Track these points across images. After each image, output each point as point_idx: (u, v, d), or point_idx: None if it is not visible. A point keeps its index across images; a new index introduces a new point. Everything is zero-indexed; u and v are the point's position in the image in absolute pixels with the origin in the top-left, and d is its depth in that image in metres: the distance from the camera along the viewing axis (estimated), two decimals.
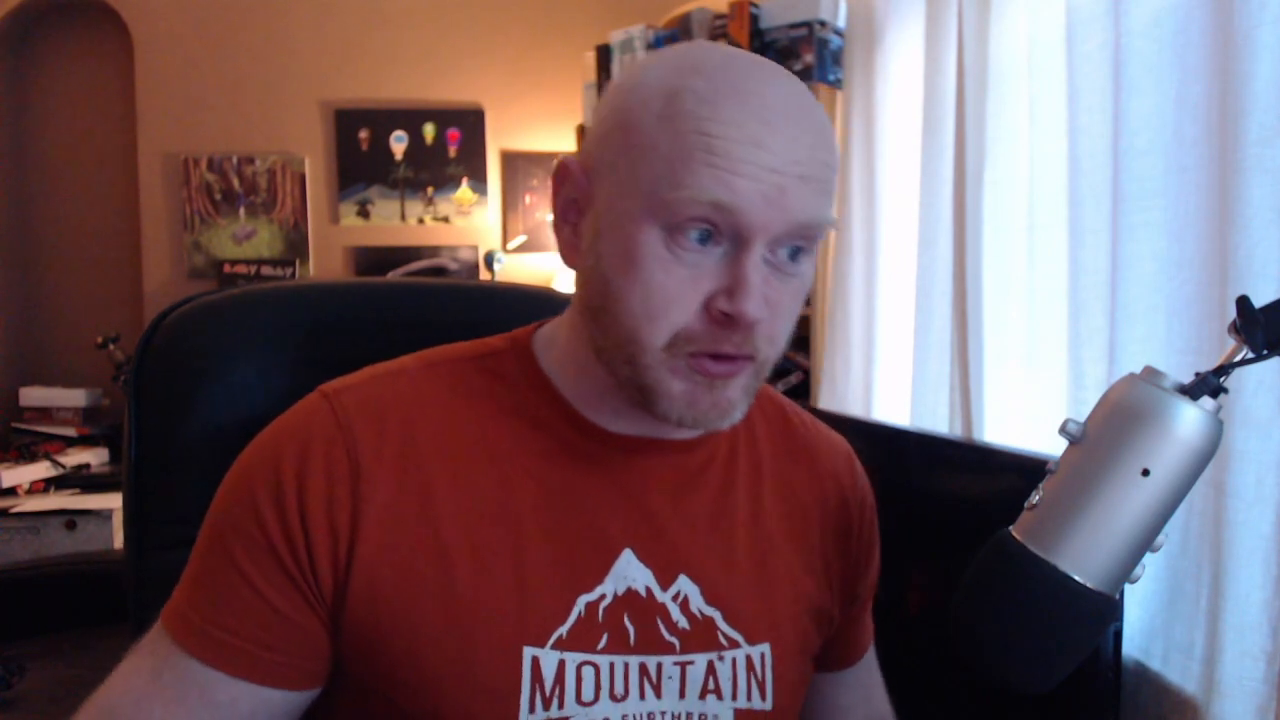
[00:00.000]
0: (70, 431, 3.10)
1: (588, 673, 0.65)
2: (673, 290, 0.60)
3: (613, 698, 0.66)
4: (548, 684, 0.63)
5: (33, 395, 3.16)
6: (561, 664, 0.64)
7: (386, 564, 0.62)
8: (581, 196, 0.65)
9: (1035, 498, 0.59)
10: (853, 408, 1.91)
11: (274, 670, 0.63)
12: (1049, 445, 0.75)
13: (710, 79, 0.60)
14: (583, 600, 0.66)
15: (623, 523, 0.68)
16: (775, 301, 0.62)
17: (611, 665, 0.66)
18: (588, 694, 0.65)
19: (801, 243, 0.62)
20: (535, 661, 0.63)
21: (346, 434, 0.64)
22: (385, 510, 0.63)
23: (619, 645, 0.66)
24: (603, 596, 0.67)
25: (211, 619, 0.62)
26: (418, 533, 0.63)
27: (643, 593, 0.68)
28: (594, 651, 0.65)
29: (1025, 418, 1.41)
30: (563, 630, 0.65)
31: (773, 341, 0.63)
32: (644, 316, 0.60)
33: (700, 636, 0.69)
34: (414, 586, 0.62)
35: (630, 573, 0.68)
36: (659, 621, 0.68)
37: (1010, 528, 0.60)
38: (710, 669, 0.69)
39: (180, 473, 0.81)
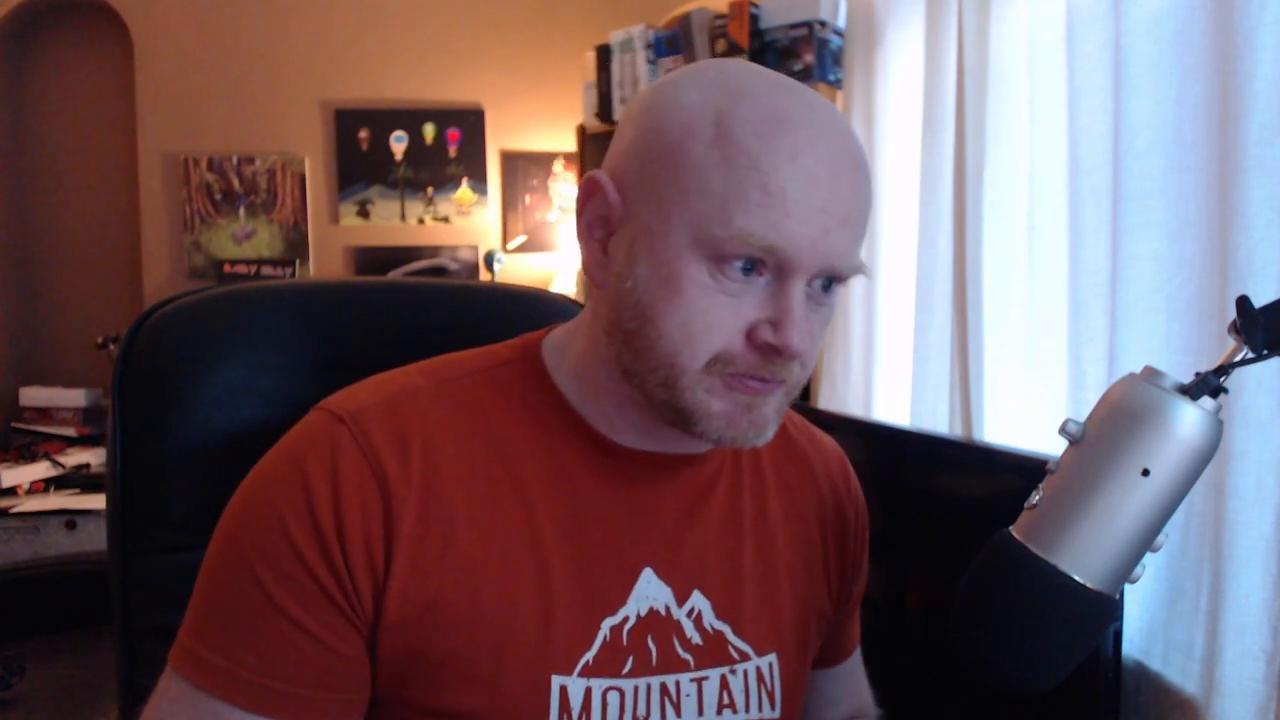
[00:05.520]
0: (70, 431, 3.10)
1: (613, 698, 0.65)
2: (714, 317, 0.60)
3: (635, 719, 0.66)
4: (574, 712, 0.63)
5: (33, 395, 3.16)
6: (589, 691, 0.64)
7: (416, 595, 0.61)
8: (613, 214, 0.63)
9: (1035, 498, 0.59)
10: (853, 408, 1.91)
11: (333, 709, 0.61)
12: (1049, 445, 0.75)
13: (758, 106, 0.59)
14: (607, 624, 0.65)
15: (642, 541, 0.68)
16: (810, 331, 0.62)
17: (635, 688, 0.66)
18: (613, 719, 0.65)
19: (833, 280, 0.63)
20: (563, 691, 0.63)
21: (374, 464, 0.61)
22: (413, 541, 0.61)
23: (642, 667, 0.66)
24: (626, 619, 0.66)
25: (259, 668, 0.60)
26: (444, 563, 0.62)
27: (663, 611, 0.68)
28: (619, 676, 0.65)
29: (1025, 418, 1.41)
30: (589, 656, 0.64)
31: (805, 367, 0.63)
32: (683, 340, 0.60)
33: (712, 651, 0.69)
34: (441, 617, 0.62)
35: (651, 592, 0.67)
36: (674, 639, 0.68)
37: (1010, 528, 0.60)
38: (724, 683, 0.69)
39: (166, 476, 0.79)
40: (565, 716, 0.63)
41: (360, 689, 0.63)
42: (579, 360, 0.68)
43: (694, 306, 0.59)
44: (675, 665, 0.67)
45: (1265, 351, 0.56)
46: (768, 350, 0.60)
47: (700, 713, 0.68)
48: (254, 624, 0.60)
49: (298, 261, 3.39)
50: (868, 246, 1.92)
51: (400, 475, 0.62)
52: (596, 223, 0.64)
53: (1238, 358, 0.57)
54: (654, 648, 0.67)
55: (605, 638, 0.65)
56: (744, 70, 0.63)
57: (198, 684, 0.60)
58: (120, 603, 0.79)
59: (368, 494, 0.61)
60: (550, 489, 0.66)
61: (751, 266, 0.59)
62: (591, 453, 0.67)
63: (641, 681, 0.66)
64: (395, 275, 3.31)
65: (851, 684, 0.88)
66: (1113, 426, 0.56)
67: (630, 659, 0.66)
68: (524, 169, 3.45)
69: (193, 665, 0.60)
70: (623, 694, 0.65)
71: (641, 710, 0.66)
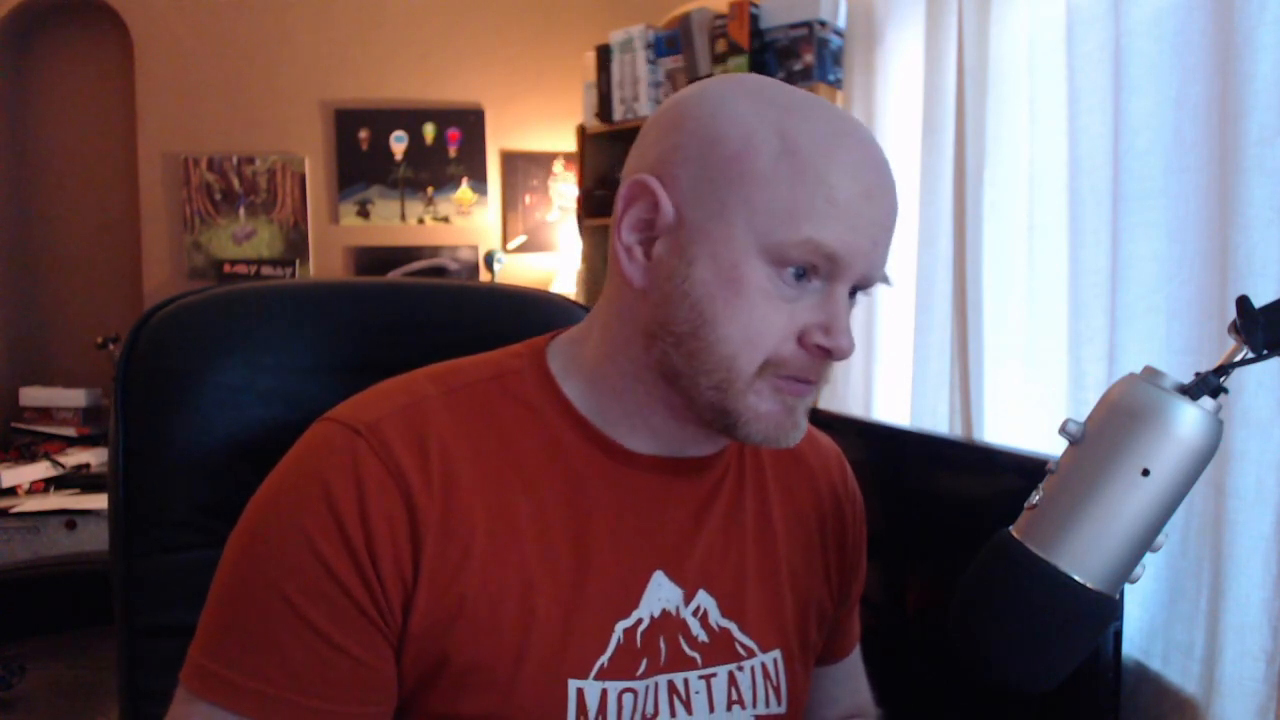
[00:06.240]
0: (70, 431, 3.10)
1: (628, 699, 0.65)
2: (773, 322, 0.63)
3: (644, 718, 0.66)
4: (591, 715, 0.64)
5: (33, 395, 3.16)
6: (604, 694, 0.64)
7: (440, 604, 0.62)
8: (661, 218, 0.64)
9: (1035, 498, 0.59)
10: (853, 408, 1.91)
11: None
12: (1049, 445, 0.75)
13: (815, 122, 0.63)
14: (620, 627, 0.66)
15: (652, 544, 0.69)
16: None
17: (647, 688, 0.66)
18: (627, 719, 0.66)
19: (863, 287, 0.67)
20: (580, 694, 0.64)
21: (397, 475, 0.61)
22: (437, 550, 0.62)
23: (653, 667, 0.67)
24: (639, 621, 0.67)
25: (291, 686, 0.59)
26: (465, 571, 0.62)
27: (673, 612, 0.69)
28: (634, 678, 0.66)
29: (1025, 418, 1.41)
30: (604, 660, 0.65)
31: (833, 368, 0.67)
32: (743, 344, 0.62)
33: (720, 649, 0.70)
34: (464, 624, 0.62)
35: (663, 594, 0.68)
36: (680, 637, 0.69)
37: (1010, 528, 0.60)
38: (731, 679, 0.70)
39: (168, 476, 0.78)
40: (582, 719, 0.64)
41: (390, 700, 0.63)
42: (592, 364, 0.69)
43: (755, 312, 0.62)
44: (683, 663, 0.68)
45: (1265, 351, 0.56)
46: (819, 352, 0.63)
47: (711, 709, 0.69)
48: (283, 641, 0.59)
49: (298, 261, 3.40)
50: None
51: (423, 485, 0.62)
52: (639, 225, 0.65)
53: (1238, 358, 0.57)
54: (664, 647, 0.68)
55: (619, 640, 0.66)
56: (780, 85, 0.66)
57: (225, 705, 0.59)
58: (122, 603, 0.79)
59: (393, 506, 0.61)
60: (562, 496, 0.66)
61: (803, 273, 0.63)
62: (602, 459, 0.68)
63: (651, 681, 0.67)
64: (395, 275, 3.31)
65: (851, 682, 0.88)
66: (1113, 426, 0.56)
67: (644, 661, 0.67)
68: (524, 169, 3.45)
69: (216, 687, 0.60)
70: (636, 694, 0.66)
71: (651, 709, 0.66)
